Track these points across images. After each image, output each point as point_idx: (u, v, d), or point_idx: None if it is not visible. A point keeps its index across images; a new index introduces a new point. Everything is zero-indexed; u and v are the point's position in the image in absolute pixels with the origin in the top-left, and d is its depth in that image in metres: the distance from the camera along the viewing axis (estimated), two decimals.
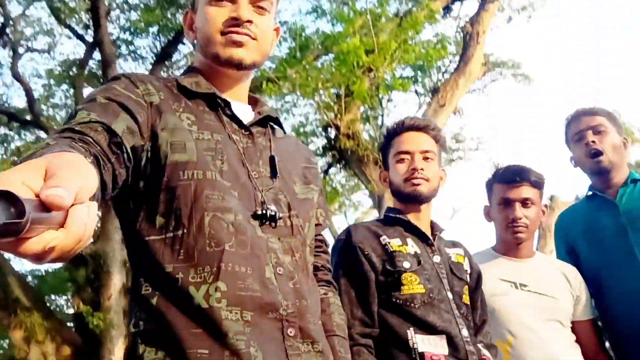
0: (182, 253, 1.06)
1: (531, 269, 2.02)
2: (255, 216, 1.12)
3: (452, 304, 1.62)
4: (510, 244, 2.04)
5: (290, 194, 1.23)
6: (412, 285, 1.60)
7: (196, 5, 1.27)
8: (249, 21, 1.20)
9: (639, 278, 1.97)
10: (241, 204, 1.11)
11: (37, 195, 0.60)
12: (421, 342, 1.53)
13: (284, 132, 1.37)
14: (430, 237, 1.74)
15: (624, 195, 2.16)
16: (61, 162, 0.65)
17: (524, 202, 1.98)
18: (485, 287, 1.84)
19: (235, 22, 1.19)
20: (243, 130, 1.22)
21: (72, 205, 0.62)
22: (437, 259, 1.70)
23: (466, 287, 1.72)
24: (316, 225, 1.33)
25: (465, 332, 1.57)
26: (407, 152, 1.73)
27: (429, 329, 1.54)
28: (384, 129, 1.87)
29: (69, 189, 0.61)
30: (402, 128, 1.78)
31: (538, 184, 2.02)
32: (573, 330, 1.97)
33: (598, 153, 2.13)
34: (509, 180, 2.01)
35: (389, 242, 1.67)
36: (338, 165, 10.16)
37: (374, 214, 12.47)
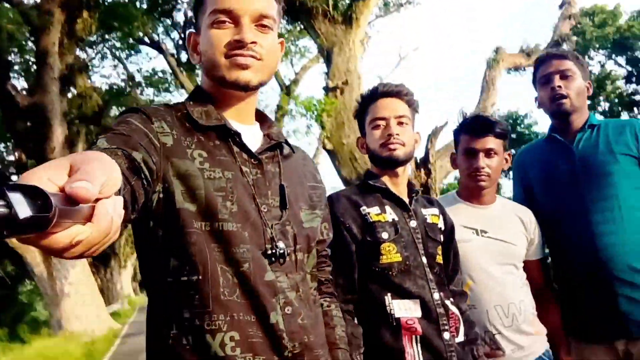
0: (197, 299, 1.10)
1: (491, 215, 2.13)
2: (265, 254, 1.17)
3: (426, 269, 1.72)
4: (472, 191, 2.13)
5: (297, 224, 1.26)
6: (390, 255, 1.70)
7: (199, 27, 1.27)
8: (253, 42, 1.20)
9: (586, 226, 2.10)
10: (251, 246, 1.15)
11: (63, 191, 0.61)
12: (397, 307, 1.66)
13: (292, 150, 1.38)
14: (407, 202, 1.81)
15: (580, 141, 2.22)
16: (85, 157, 0.66)
17: (488, 153, 2.05)
18: None
19: (239, 44, 1.19)
20: (253, 160, 1.24)
21: (98, 199, 0.63)
22: (413, 223, 1.78)
23: (439, 247, 1.82)
24: (321, 241, 1.39)
25: (436, 296, 1.70)
26: (382, 118, 1.78)
27: (405, 294, 1.67)
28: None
29: (94, 182, 0.61)
30: (376, 94, 1.82)
31: (502, 135, 2.08)
32: (524, 268, 2.14)
33: (562, 97, 2.19)
34: (474, 131, 2.08)
35: (369, 213, 1.74)
36: (286, 17, 9.79)
37: (321, 65, 12.36)
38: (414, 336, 1.64)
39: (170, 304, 1.13)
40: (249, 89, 1.23)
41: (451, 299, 1.78)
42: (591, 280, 2.08)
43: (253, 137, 1.29)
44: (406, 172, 1.87)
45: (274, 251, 1.17)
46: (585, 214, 2.11)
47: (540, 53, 2.43)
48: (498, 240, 2.07)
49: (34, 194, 0.57)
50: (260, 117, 1.37)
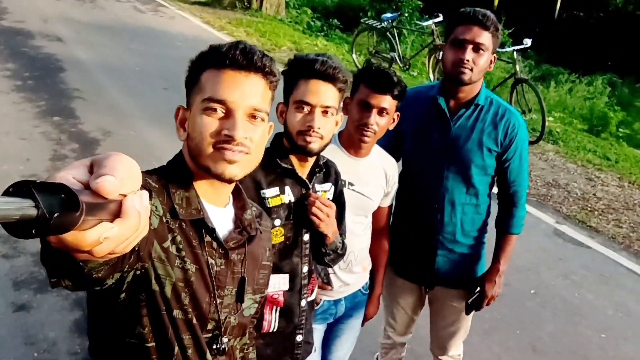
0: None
1: (362, 168, 2.18)
2: (208, 344, 1.26)
3: (303, 246, 1.83)
4: (354, 142, 2.13)
5: (240, 315, 1.33)
6: (276, 238, 1.76)
7: (191, 105, 1.24)
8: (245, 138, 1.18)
9: (437, 191, 2.40)
10: (196, 334, 1.22)
11: (88, 188, 0.61)
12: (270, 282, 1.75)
13: (259, 230, 1.40)
14: (309, 183, 1.83)
15: (460, 118, 2.36)
16: (104, 155, 0.66)
17: (381, 111, 2.06)
18: None
19: (229, 139, 1.16)
20: (220, 249, 1.25)
21: (124, 196, 0.64)
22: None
23: None
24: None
25: (305, 269, 1.84)
26: (307, 104, 1.71)
27: (278, 271, 1.77)
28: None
29: (116, 175, 0.62)
30: (311, 71, 1.71)
31: (399, 97, 2.09)
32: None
33: (465, 69, 2.23)
34: (375, 86, 2.05)
35: (268, 198, 1.76)
36: None
37: None
38: (274, 306, 1.79)
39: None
40: (233, 182, 1.24)
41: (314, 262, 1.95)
42: (422, 233, 2.49)
43: (225, 221, 1.30)
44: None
45: (217, 346, 1.27)
46: (440, 181, 2.39)
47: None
48: (360, 194, 2.16)
49: (61, 193, 0.56)
50: (236, 191, 1.37)
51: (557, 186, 6.47)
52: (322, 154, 1.85)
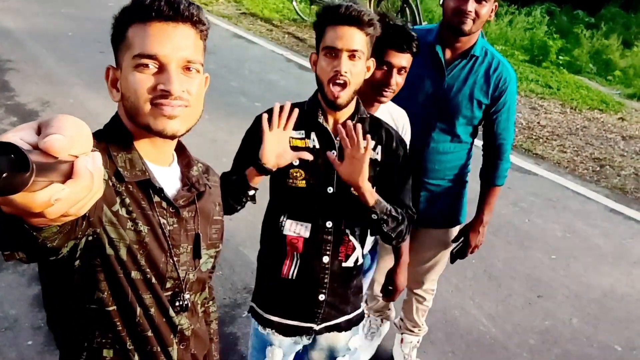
0: (118, 325, 1.21)
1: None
2: (170, 302, 1.27)
3: (325, 200, 1.80)
4: (367, 99, 2.00)
5: (198, 271, 1.34)
6: (297, 181, 1.78)
7: (120, 63, 1.19)
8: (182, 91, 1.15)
9: (426, 137, 2.40)
10: (156, 293, 1.23)
11: (36, 149, 0.59)
12: (287, 226, 1.82)
13: (208, 186, 1.39)
14: (335, 139, 1.79)
15: (454, 69, 2.33)
16: (52, 117, 0.64)
17: (400, 70, 2.01)
18: None
19: (166, 93, 1.13)
20: (171, 208, 1.24)
21: (76, 157, 0.62)
22: (333, 154, 1.76)
23: None
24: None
25: (329, 223, 1.81)
26: (334, 49, 1.69)
27: (300, 217, 1.81)
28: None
29: (66, 134, 0.60)
30: (336, 17, 1.68)
31: (416, 53, 2.02)
32: None
33: (467, 19, 2.17)
34: (396, 45, 1.97)
35: (292, 138, 1.76)
36: None
37: None
38: (295, 252, 1.82)
39: (88, 327, 1.20)
40: (175, 137, 1.20)
41: (358, 233, 1.89)
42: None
43: (171, 180, 1.28)
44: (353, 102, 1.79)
45: (179, 303, 1.28)
46: (428, 131, 2.40)
47: None
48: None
49: (10, 153, 0.54)
50: (179, 148, 1.35)
51: None
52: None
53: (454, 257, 2.68)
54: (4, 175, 0.52)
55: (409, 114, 2.29)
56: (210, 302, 1.51)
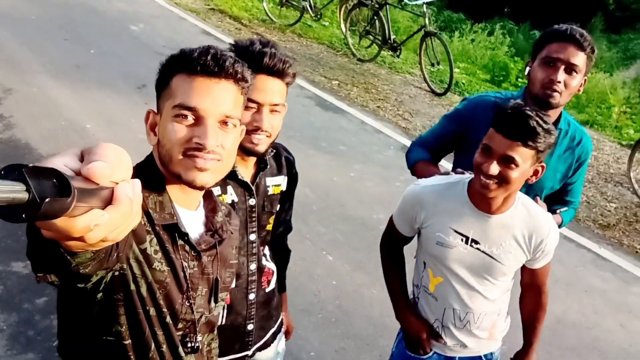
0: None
1: (494, 225, 1.91)
2: (183, 345, 1.29)
3: (250, 246, 1.79)
4: (482, 199, 1.88)
5: (210, 314, 1.37)
6: None
7: (161, 109, 1.23)
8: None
9: None
10: (171, 335, 1.25)
11: (79, 175, 0.61)
12: None
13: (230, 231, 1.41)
14: (251, 185, 1.76)
15: None
16: (94, 145, 0.66)
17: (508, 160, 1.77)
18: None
19: (200, 147, 1.15)
20: (193, 252, 1.27)
21: (116, 184, 0.64)
22: (252, 202, 1.76)
23: (273, 217, 1.89)
24: None
25: (253, 267, 1.82)
26: (255, 102, 1.58)
27: None
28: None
29: (108, 162, 0.62)
30: (259, 66, 1.54)
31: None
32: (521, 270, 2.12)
33: (556, 91, 2.07)
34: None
35: None
36: None
37: None
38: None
39: (102, 358, 1.22)
40: (204, 189, 1.24)
41: (269, 255, 1.96)
42: None
43: (196, 224, 1.31)
44: None
45: (191, 344, 1.30)
46: None
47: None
48: (486, 254, 1.92)
49: (53, 178, 0.56)
50: (206, 193, 1.36)
51: None
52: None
53: None
54: (47, 200, 0.53)
55: None
56: (213, 342, 1.54)
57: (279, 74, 1.58)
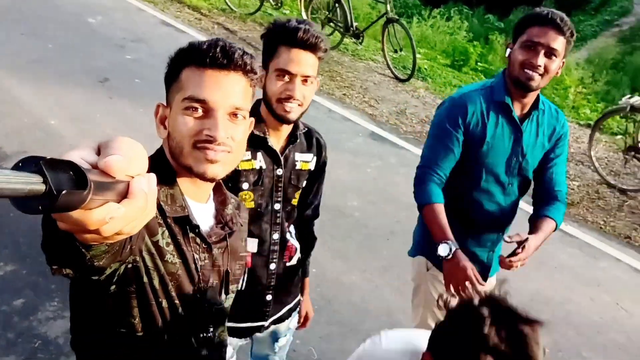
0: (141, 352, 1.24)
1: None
2: (195, 337, 1.32)
3: (275, 214, 1.90)
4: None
5: (221, 307, 1.38)
6: (246, 203, 1.82)
7: (170, 102, 1.24)
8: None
9: (491, 196, 2.36)
10: (184, 327, 1.28)
11: (95, 168, 0.62)
12: None
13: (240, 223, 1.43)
14: (281, 151, 1.86)
15: (529, 124, 2.29)
16: (110, 138, 0.67)
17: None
18: None
19: (210, 139, 1.17)
20: (204, 244, 1.28)
21: (132, 178, 0.64)
22: (279, 172, 1.86)
23: (299, 192, 1.97)
24: None
25: (275, 236, 1.92)
26: (289, 73, 1.73)
27: (248, 234, 1.75)
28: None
29: (124, 155, 0.63)
30: (293, 40, 1.71)
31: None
32: None
33: (535, 74, 2.13)
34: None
35: None
36: None
37: None
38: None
39: (114, 350, 1.23)
40: (214, 180, 1.26)
41: (294, 233, 2.06)
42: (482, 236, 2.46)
43: (206, 217, 1.33)
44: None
45: (203, 335, 1.33)
46: (506, 189, 2.37)
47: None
48: None
49: (70, 170, 0.56)
50: (216, 185, 1.38)
51: (430, 122, 6.87)
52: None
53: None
54: (64, 192, 0.54)
55: (491, 174, 2.32)
56: (224, 331, 1.56)
57: (312, 47, 1.72)
